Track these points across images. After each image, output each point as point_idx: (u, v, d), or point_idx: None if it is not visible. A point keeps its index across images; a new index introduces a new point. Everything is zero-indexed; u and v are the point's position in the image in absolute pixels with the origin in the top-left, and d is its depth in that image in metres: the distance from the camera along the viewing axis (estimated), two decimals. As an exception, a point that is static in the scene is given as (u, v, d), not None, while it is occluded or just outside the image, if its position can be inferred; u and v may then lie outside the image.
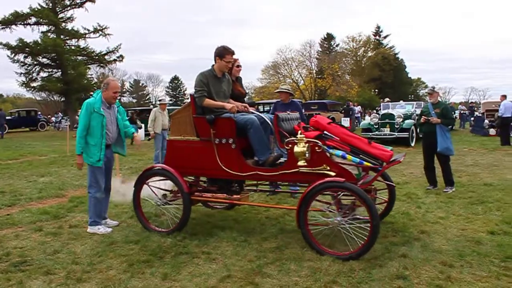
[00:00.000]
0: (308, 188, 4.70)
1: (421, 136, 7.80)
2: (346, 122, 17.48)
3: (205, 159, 5.29)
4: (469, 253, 4.65)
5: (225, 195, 5.40)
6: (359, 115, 31.44)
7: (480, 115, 22.15)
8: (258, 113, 5.43)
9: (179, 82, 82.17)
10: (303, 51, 57.49)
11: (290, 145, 4.82)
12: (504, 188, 7.90)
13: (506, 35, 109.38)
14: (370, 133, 16.45)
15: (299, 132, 4.82)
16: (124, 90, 73.20)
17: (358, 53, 66.25)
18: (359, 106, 36.05)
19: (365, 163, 4.69)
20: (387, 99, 26.69)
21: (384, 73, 62.44)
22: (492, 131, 19.61)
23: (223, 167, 5.18)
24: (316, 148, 4.69)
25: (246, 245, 5.04)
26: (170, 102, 63.50)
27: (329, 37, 67.88)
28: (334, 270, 4.26)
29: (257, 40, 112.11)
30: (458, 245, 4.90)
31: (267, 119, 5.28)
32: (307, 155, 4.67)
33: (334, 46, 67.74)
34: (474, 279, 4.02)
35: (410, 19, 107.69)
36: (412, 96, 63.77)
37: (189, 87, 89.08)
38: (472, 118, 22.85)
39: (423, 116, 8.17)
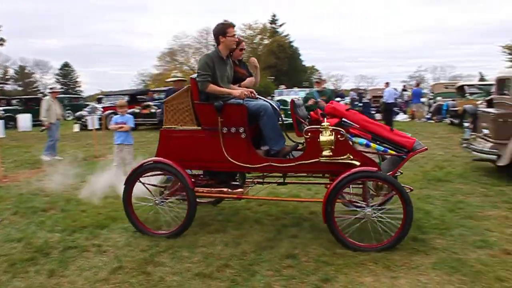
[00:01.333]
0: (337, 179, 4.39)
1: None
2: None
3: (207, 151, 4.80)
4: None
5: (227, 189, 4.95)
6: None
7: (368, 101, 23.59)
8: (264, 99, 4.99)
9: (70, 69, 77.77)
10: (200, 38, 57.18)
11: (309, 134, 4.53)
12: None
13: (392, 29, 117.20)
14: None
15: (325, 119, 4.56)
16: (8, 77, 67.70)
17: (255, 41, 67.20)
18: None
19: (390, 151, 4.56)
20: (282, 86, 27.46)
21: (280, 60, 64.01)
22: (378, 116, 21.02)
23: (230, 158, 4.71)
24: (339, 136, 4.42)
25: (138, 235, 4.96)
26: (61, 90, 59.94)
27: (226, 25, 68.05)
28: (226, 254, 4.35)
29: (156, 26, 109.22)
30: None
31: (275, 106, 4.94)
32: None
33: (231, 33, 68.07)
34: (356, 252, 4.31)
35: (305, 9, 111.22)
36: (307, 83, 66.22)
37: (82, 75, 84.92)
38: (361, 104, 24.29)
39: (311, 99, 8.45)
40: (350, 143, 4.47)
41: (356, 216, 4.58)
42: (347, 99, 31.82)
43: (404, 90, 25.21)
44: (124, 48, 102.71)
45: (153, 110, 19.03)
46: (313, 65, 79.40)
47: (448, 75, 72.94)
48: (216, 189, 4.96)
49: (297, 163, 4.60)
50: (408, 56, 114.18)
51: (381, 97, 20.30)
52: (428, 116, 21.53)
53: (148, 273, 3.97)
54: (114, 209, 5.98)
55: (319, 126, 4.47)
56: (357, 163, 4.40)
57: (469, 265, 3.96)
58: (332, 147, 4.41)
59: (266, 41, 67.76)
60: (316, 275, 3.87)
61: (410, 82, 51.92)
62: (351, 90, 38.32)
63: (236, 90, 4.80)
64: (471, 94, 16.95)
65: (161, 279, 3.86)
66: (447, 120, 18.41)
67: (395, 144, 4.59)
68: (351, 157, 4.42)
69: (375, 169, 4.38)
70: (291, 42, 69.33)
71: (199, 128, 4.85)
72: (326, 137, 4.39)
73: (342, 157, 4.43)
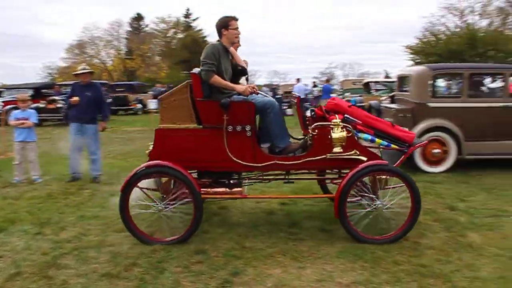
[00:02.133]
0: (350, 173, 4.38)
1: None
2: (154, 104, 17.35)
3: (208, 150, 4.53)
4: (262, 223, 5.08)
5: (225, 189, 4.71)
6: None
7: (280, 96, 24.15)
8: (265, 94, 4.82)
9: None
10: (111, 31, 55.19)
11: (317, 130, 4.46)
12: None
13: (303, 26, 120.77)
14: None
15: (336, 116, 4.51)
16: None
17: (168, 35, 66.13)
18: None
19: (393, 145, 4.65)
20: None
21: (194, 55, 63.35)
22: (290, 111, 21.54)
23: (234, 158, 4.48)
24: (346, 132, 4.43)
25: (40, 237, 4.71)
26: None
27: (139, 17, 66.31)
28: (135, 253, 4.25)
29: (64, 16, 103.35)
30: (252, 217, 5.32)
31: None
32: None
33: (143, 26, 66.43)
34: (265, 245, 4.41)
35: (219, 4, 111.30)
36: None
37: (-21, 66, 78.62)
38: (273, 99, 24.86)
39: None
40: (356, 138, 4.53)
41: (368, 210, 4.61)
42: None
43: (314, 86, 26.06)
44: (29, 39, 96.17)
45: (59, 105, 18.08)
46: (227, 60, 79.44)
47: (356, 72, 76.54)
48: (214, 189, 4.71)
49: (303, 160, 4.52)
50: (321, 52, 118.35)
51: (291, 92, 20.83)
52: (337, 111, 22.37)
53: (50, 277, 3.77)
54: (13, 211, 5.63)
55: (328, 123, 4.47)
56: (364, 159, 4.45)
57: (371, 252, 4.19)
58: (344, 143, 4.42)
59: (180, 35, 66.92)
60: (226, 269, 3.90)
61: (321, 78, 53.75)
62: (264, 85, 38.97)
63: (240, 86, 4.60)
64: (376, 90, 17.93)
65: (64, 283, 3.69)
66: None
67: (397, 139, 4.70)
68: (358, 152, 4.47)
69: (387, 162, 4.49)
70: (205, 37, 69.10)
71: (200, 126, 4.57)
72: (338, 133, 4.40)
73: (349, 153, 4.46)
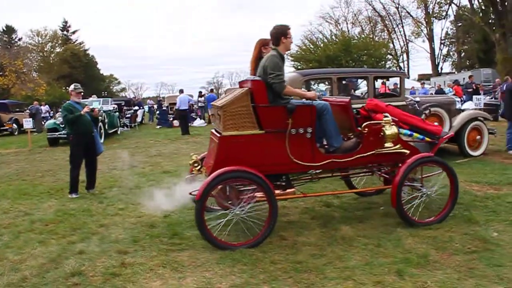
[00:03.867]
0: (404, 166, 4.81)
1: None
2: (29, 123, 16.22)
3: (270, 154, 4.67)
4: (143, 237, 4.98)
5: (280, 190, 4.82)
6: (47, 114, 29.63)
7: (165, 108, 23.92)
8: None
9: None
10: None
11: (367, 129, 4.90)
12: (180, 173, 8.73)
13: (188, 38, 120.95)
14: (57, 133, 15.63)
15: (386, 115, 4.98)
16: None
17: (45, 49, 62.39)
18: (47, 106, 34.02)
19: (426, 138, 5.22)
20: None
21: (75, 69, 60.60)
22: (176, 123, 21.43)
23: (294, 159, 4.67)
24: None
25: None
26: None
27: (10, 30, 61.65)
28: (1, 285, 3.94)
29: None
30: (133, 232, 5.17)
31: None
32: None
33: (16, 40, 61.93)
34: (145, 260, 4.33)
35: (100, 16, 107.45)
36: (106, 92, 63.93)
37: None
38: (158, 112, 24.50)
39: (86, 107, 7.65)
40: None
41: (418, 198, 5.03)
42: (146, 108, 31.85)
43: (200, 96, 26.15)
44: None
45: None
46: (111, 73, 77.07)
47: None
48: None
49: (356, 156, 4.90)
50: (208, 62, 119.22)
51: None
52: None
53: None
54: None
55: (379, 121, 4.94)
56: (407, 152, 4.99)
57: (249, 255, 4.29)
58: (395, 139, 4.92)
59: (58, 49, 63.42)
60: (103, 288, 3.77)
61: (208, 87, 54.11)
62: (148, 98, 38.30)
63: (309, 92, 4.96)
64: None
65: None
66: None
67: (428, 132, 5.26)
68: (402, 146, 4.97)
69: (433, 154, 5.06)
70: (86, 50, 66.22)
71: (262, 131, 4.64)
72: (390, 130, 4.89)
73: (396, 147, 4.93)
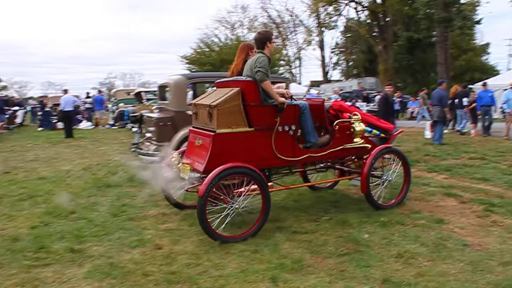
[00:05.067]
0: (370, 157, 5.54)
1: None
2: None
3: (258, 150, 4.97)
4: (3, 252, 4.47)
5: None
6: None
7: (49, 109, 22.38)
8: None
9: None
10: None
11: (338, 126, 5.49)
12: (56, 180, 8.12)
13: (84, 34, 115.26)
14: None
15: (353, 113, 5.67)
16: None
17: None
18: None
19: (381, 134, 6.02)
20: None
21: None
22: (60, 125, 20.12)
23: (278, 154, 5.05)
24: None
25: None
26: None
27: None
28: None
29: None
30: (-9, 249, 4.65)
31: None
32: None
33: None
34: (3, 279, 3.88)
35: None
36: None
37: None
38: (40, 113, 22.87)
39: None
40: None
41: (380, 184, 5.83)
42: (29, 108, 29.59)
43: (88, 97, 24.89)
44: None
45: None
46: (-9, 70, 71.02)
47: (137, 82, 76.03)
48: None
49: (329, 151, 5.43)
50: (100, 62, 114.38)
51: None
52: (111, 123, 21.79)
53: None
54: None
55: (349, 119, 5.61)
56: (369, 146, 5.68)
57: (121, 267, 4.04)
58: (363, 134, 5.63)
59: None
60: None
61: (101, 88, 51.84)
62: (31, 98, 35.70)
63: (281, 98, 5.05)
64: (148, 100, 17.91)
65: None
66: (129, 126, 19.00)
67: (383, 129, 6.06)
68: (364, 141, 5.64)
69: (392, 145, 5.93)
70: None
71: (252, 129, 4.90)
72: (359, 127, 5.58)
73: (360, 142, 5.60)
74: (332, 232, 4.86)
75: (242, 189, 4.78)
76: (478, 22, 34.07)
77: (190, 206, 5.83)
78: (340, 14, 45.47)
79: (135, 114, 17.19)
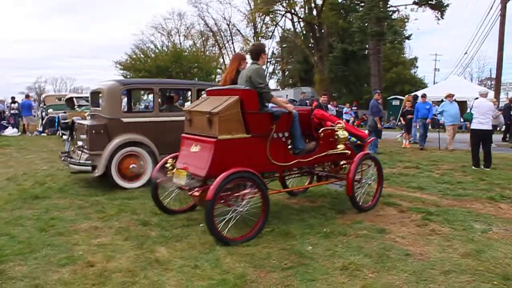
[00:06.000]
0: (354, 163, 5.87)
1: None
2: None
3: (254, 156, 5.14)
4: None
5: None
6: None
7: None
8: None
9: None
10: None
11: (323, 134, 5.84)
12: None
13: (7, 37, 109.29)
14: None
15: (336, 122, 6.10)
16: None
17: None
18: None
19: (358, 141, 6.40)
20: None
21: None
22: None
23: (272, 160, 5.26)
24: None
25: None
26: None
27: None
28: None
29: None
30: None
31: None
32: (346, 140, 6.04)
33: None
34: None
35: None
36: None
37: None
38: None
39: None
40: None
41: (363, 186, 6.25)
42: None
43: (14, 102, 23.46)
44: None
45: None
46: None
47: (69, 87, 73.14)
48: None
49: (315, 157, 5.74)
50: (28, 66, 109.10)
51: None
52: (40, 129, 20.68)
53: None
54: None
55: (333, 127, 5.97)
56: (349, 152, 6.06)
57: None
58: (346, 141, 6.03)
59: None
60: None
61: (30, 93, 49.35)
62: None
63: (289, 105, 5.61)
64: (80, 106, 17.14)
65: None
66: (60, 133, 18.08)
67: (359, 136, 6.49)
68: (345, 148, 6.01)
69: (369, 152, 6.64)
70: None
71: (249, 135, 5.06)
72: (343, 134, 5.94)
73: (342, 148, 5.97)
74: (275, 245, 4.70)
75: (246, 192, 4.94)
76: (408, 38, 35.52)
77: (178, 211, 5.94)
78: (277, 25, 46.25)
79: (66, 121, 16.42)
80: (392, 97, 30.36)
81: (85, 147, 7.63)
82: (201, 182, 4.99)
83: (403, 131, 15.89)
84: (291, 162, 5.52)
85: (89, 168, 7.38)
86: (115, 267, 4.14)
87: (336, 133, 5.95)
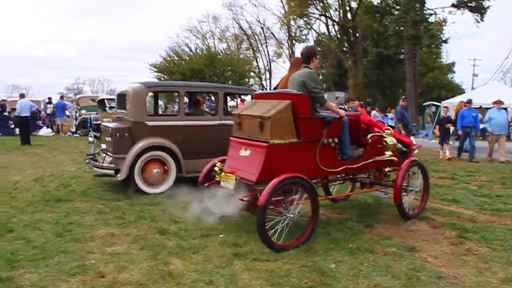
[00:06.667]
0: (402, 170, 5.80)
1: None
2: None
3: (303, 161, 5.07)
4: None
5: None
6: None
7: (7, 114, 21.35)
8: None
9: None
10: None
11: (371, 140, 5.76)
12: (0, 192, 7.46)
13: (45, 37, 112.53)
14: None
15: (384, 128, 6.09)
16: None
17: None
18: None
19: (403, 148, 6.28)
20: None
21: None
22: (17, 130, 19.14)
23: (321, 166, 5.20)
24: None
25: None
26: None
27: None
28: None
29: None
30: None
31: None
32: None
33: None
34: None
35: None
36: None
37: None
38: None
39: None
40: None
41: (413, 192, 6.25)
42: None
43: (49, 102, 23.90)
44: None
45: None
46: None
47: (106, 89, 74.55)
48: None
49: (362, 163, 5.67)
50: (67, 66, 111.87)
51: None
52: (74, 130, 20.96)
53: None
54: None
55: (381, 133, 5.94)
56: (396, 159, 5.98)
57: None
58: (393, 148, 5.96)
59: None
60: None
61: (68, 94, 50.45)
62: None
63: (341, 110, 5.60)
64: (111, 108, 17.23)
65: None
66: (91, 134, 18.21)
67: (404, 143, 6.40)
68: (392, 154, 5.94)
69: (416, 159, 6.46)
70: None
71: (300, 140, 5.01)
72: (391, 141, 5.93)
73: (389, 155, 5.91)
74: (295, 261, 4.41)
75: (297, 198, 4.85)
76: (445, 41, 34.56)
77: None
78: (311, 28, 45.80)
79: (97, 122, 16.53)
80: (427, 103, 29.54)
81: (109, 150, 7.53)
82: (250, 187, 5.04)
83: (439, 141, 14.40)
84: (340, 168, 5.46)
85: (112, 171, 7.27)
86: (126, 279, 3.94)
87: (384, 139, 5.92)
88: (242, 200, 4.94)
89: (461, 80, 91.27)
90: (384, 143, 5.91)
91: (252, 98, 5.77)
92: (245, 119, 5.31)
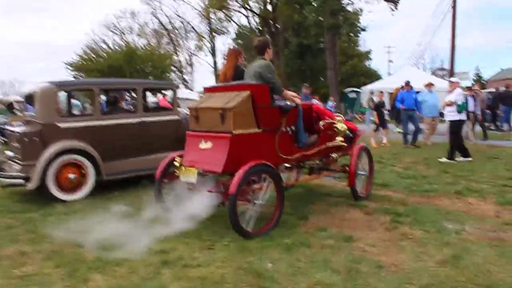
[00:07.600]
0: (354, 155, 6.22)
1: None
2: None
3: (264, 149, 5.17)
4: None
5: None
6: None
7: None
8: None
9: None
10: None
11: (323, 126, 5.99)
12: None
13: None
14: None
15: (339, 115, 6.59)
16: None
17: None
18: None
19: (350, 134, 6.41)
20: None
21: None
22: None
23: (280, 153, 5.34)
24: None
25: None
26: None
27: None
28: None
29: None
30: None
31: None
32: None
33: None
34: None
35: None
36: None
37: None
38: None
39: None
40: None
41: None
42: None
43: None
44: None
45: None
46: None
47: (18, 90, 70.00)
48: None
49: (317, 149, 5.87)
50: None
51: None
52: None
53: None
54: None
55: (333, 120, 6.15)
56: (345, 145, 6.24)
57: None
58: (344, 134, 6.21)
59: None
60: None
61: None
62: None
63: (297, 99, 5.65)
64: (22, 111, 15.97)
65: None
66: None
67: (351, 129, 6.48)
68: (341, 140, 6.18)
69: (365, 144, 6.83)
70: None
71: (260, 130, 5.09)
72: (342, 127, 6.17)
73: (338, 141, 6.14)
74: (230, 263, 4.08)
75: (263, 185, 4.94)
76: (363, 29, 35.72)
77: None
78: (231, 20, 45.56)
79: (4, 127, 15.22)
80: (349, 89, 30.29)
81: (18, 157, 6.79)
82: (214, 179, 5.20)
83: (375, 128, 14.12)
84: (296, 155, 5.62)
85: (22, 181, 6.56)
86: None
87: (336, 126, 6.14)
88: (209, 191, 5.03)
89: (378, 67, 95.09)
90: (335, 130, 6.14)
91: (204, 92, 5.82)
92: (203, 112, 5.30)
